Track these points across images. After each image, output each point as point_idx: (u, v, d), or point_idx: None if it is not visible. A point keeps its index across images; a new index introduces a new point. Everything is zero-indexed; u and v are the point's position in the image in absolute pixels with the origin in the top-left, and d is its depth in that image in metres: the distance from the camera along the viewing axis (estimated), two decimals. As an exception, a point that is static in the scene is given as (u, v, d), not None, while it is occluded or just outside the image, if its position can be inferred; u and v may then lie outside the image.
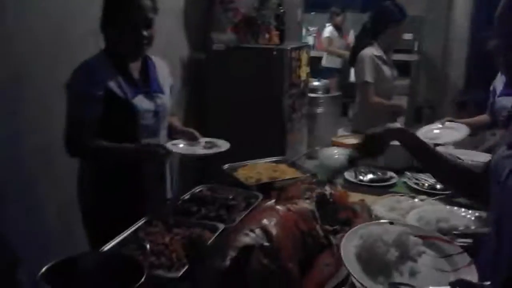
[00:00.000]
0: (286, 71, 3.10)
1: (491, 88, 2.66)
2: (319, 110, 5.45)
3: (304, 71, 3.33)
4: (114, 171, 1.86)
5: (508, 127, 1.21)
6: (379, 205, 1.68)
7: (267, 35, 3.28)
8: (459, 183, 1.37)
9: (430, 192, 1.89)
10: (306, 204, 1.48)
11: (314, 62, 6.25)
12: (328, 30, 6.69)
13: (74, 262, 1.05)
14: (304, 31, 6.31)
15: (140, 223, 1.54)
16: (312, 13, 7.10)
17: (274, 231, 1.15)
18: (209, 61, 3.32)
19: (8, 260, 1.37)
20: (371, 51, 3.04)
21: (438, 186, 1.92)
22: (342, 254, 1.12)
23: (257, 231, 1.12)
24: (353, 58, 3.13)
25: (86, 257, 1.07)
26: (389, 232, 1.20)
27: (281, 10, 3.27)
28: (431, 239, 1.24)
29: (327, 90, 5.71)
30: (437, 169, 1.41)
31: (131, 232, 1.47)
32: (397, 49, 3.86)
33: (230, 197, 1.78)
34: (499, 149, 1.16)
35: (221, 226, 1.49)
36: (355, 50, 3.16)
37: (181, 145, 2.05)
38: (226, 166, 2.10)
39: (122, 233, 1.44)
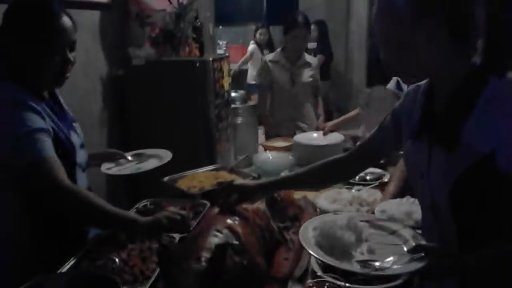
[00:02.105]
0: (210, 82, 3.13)
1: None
2: (239, 120, 5.55)
3: (226, 81, 3.40)
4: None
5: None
6: (322, 198, 1.79)
7: (187, 48, 3.30)
8: (334, 176, 1.51)
9: (362, 183, 2.04)
10: (258, 204, 1.54)
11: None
12: (251, 47, 6.98)
13: (41, 285, 1.01)
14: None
15: (90, 244, 1.50)
16: (220, 27, 7.27)
17: (239, 229, 1.19)
18: (130, 77, 3.26)
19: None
20: (269, 57, 3.40)
21: (368, 177, 2.09)
22: (304, 245, 1.18)
23: (225, 231, 1.16)
24: None
25: (52, 279, 1.03)
26: (339, 219, 1.30)
27: (199, 23, 3.31)
28: (374, 221, 1.36)
29: (244, 100, 5.85)
30: (313, 182, 1.52)
31: (85, 252, 1.42)
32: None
33: (177, 208, 1.78)
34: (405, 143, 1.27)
35: (177, 237, 1.50)
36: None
37: (113, 167, 1.98)
38: (166, 178, 2.09)
39: (76, 254, 1.40)
